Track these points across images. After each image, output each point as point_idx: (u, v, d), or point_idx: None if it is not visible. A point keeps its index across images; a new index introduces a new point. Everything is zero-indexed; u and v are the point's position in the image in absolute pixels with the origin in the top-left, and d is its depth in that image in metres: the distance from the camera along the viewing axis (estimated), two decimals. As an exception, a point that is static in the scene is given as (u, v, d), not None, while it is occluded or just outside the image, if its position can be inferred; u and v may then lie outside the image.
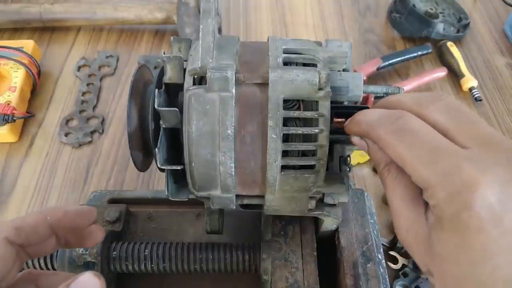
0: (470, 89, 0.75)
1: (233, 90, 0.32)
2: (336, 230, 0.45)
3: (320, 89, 0.32)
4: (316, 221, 0.45)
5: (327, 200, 0.38)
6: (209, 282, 0.46)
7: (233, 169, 0.33)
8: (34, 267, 0.43)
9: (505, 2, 0.89)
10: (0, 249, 0.27)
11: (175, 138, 0.36)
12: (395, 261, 0.56)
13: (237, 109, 0.32)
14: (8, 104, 0.66)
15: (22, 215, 0.59)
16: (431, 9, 0.82)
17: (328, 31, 0.86)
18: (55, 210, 0.31)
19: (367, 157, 0.66)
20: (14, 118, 0.65)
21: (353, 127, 0.31)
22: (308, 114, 0.32)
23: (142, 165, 0.40)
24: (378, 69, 0.75)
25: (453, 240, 0.24)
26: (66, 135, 0.68)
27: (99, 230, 0.33)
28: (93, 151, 0.67)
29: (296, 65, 0.34)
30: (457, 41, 0.82)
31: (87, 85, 0.75)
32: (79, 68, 0.77)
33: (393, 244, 0.56)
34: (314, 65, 0.33)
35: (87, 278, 0.26)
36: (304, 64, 0.34)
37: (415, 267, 0.54)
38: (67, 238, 0.32)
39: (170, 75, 0.35)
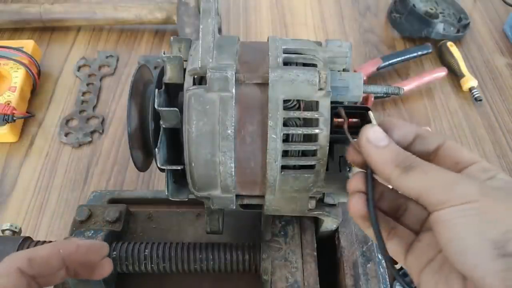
0: (470, 89, 0.75)
1: (233, 90, 0.32)
2: (336, 230, 0.45)
3: (320, 89, 0.32)
4: (316, 221, 0.45)
5: (327, 200, 0.38)
6: (209, 282, 0.46)
7: (233, 169, 0.33)
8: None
9: (505, 2, 0.89)
10: (11, 279, 0.28)
11: (175, 138, 0.36)
12: (394, 261, 0.55)
13: (237, 109, 0.32)
14: (8, 104, 0.66)
15: (21, 215, 0.60)
16: (431, 9, 0.82)
17: (328, 31, 0.86)
18: (68, 243, 0.32)
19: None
20: (14, 118, 0.65)
21: None
22: (308, 114, 0.32)
23: (142, 165, 0.40)
24: (378, 69, 0.75)
25: None
26: (66, 135, 0.68)
27: (108, 263, 0.34)
28: (93, 151, 0.67)
29: (296, 65, 0.34)
30: (457, 41, 0.82)
31: (87, 85, 0.75)
32: (79, 68, 0.77)
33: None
34: (314, 65, 0.33)
35: None
36: (304, 64, 0.34)
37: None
38: (76, 270, 0.32)
39: (170, 75, 0.35)
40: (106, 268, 0.34)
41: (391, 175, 0.27)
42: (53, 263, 0.31)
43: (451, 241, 0.24)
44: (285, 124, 0.32)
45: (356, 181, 0.30)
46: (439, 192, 0.25)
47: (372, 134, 0.29)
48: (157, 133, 0.34)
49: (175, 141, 0.36)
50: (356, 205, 0.30)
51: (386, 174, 0.28)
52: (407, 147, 0.29)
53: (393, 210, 0.32)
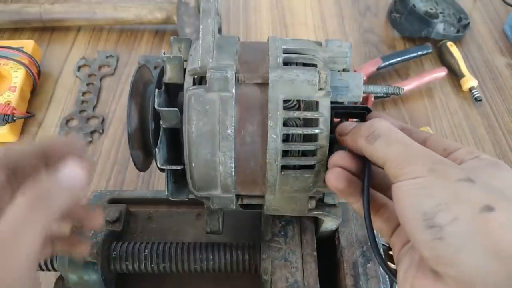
0: (470, 89, 0.75)
1: (233, 90, 0.32)
2: (336, 230, 0.45)
3: (320, 89, 0.32)
4: (316, 221, 0.45)
5: (327, 200, 0.38)
6: (209, 282, 0.46)
7: (233, 169, 0.33)
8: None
9: (505, 2, 0.89)
10: None
11: (175, 138, 0.36)
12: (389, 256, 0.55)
13: (237, 109, 0.32)
14: (8, 104, 0.66)
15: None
16: (431, 9, 0.82)
17: (328, 31, 0.86)
18: (44, 138, 0.32)
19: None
20: (14, 118, 0.65)
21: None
22: (308, 114, 0.32)
23: (142, 165, 0.40)
24: (378, 69, 0.75)
25: None
26: (66, 135, 0.68)
27: (99, 214, 0.35)
28: (93, 151, 0.67)
29: (296, 65, 0.34)
30: (457, 41, 0.82)
31: (87, 85, 0.75)
32: (79, 68, 0.77)
33: (393, 244, 0.56)
34: (314, 65, 0.33)
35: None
36: (304, 64, 0.34)
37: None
38: (66, 215, 0.31)
39: (170, 75, 0.35)
40: (97, 219, 0.34)
41: (361, 145, 0.29)
42: (29, 154, 0.31)
43: (399, 213, 0.26)
44: (285, 124, 0.32)
45: (338, 157, 0.31)
46: (395, 167, 0.27)
47: (339, 128, 0.32)
48: (157, 133, 0.34)
49: (175, 141, 0.36)
50: (336, 181, 0.31)
51: (359, 146, 0.30)
52: None
53: (384, 187, 0.32)
